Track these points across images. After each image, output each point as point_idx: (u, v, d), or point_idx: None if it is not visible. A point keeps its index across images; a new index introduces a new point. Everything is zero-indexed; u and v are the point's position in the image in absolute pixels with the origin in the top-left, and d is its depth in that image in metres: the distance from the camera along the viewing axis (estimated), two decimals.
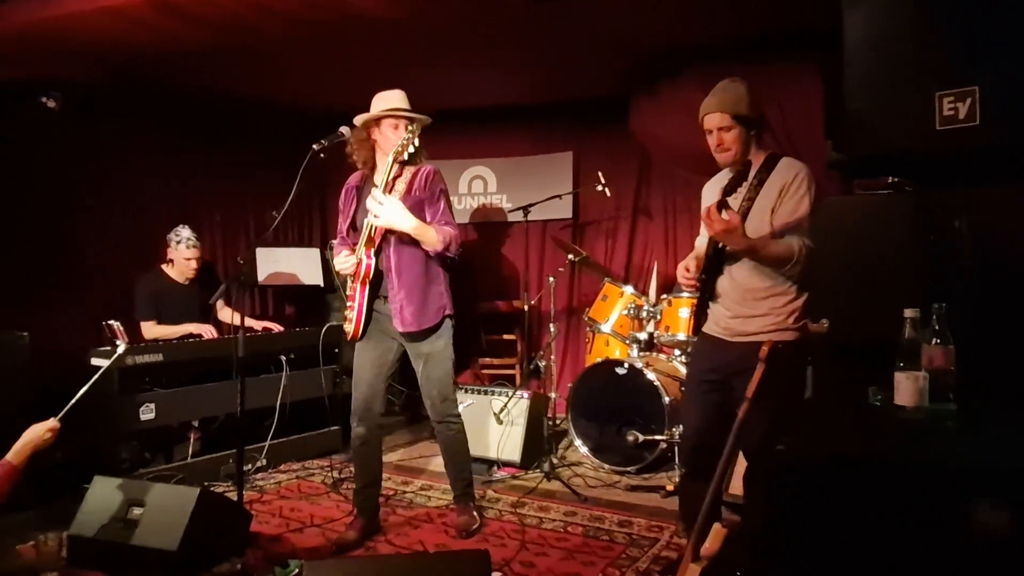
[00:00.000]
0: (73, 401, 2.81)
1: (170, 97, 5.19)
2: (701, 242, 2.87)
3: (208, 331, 4.43)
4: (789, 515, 1.70)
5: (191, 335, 4.41)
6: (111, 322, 3.22)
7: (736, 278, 2.65)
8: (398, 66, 4.59)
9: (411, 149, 3.14)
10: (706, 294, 2.73)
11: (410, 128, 3.17)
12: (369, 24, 3.85)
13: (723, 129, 2.62)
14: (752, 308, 2.62)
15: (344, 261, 3.24)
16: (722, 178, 2.74)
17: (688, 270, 2.76)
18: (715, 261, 2.68)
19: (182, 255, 4.49)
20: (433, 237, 3.15)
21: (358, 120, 3.30)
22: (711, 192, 2.80)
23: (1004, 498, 1.43)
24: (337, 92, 3.31)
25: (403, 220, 3.08)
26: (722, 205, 2.43)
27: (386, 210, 3.07)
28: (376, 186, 3.18)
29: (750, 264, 2.60)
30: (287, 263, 5.63)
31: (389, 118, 3.26)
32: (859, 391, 1.99)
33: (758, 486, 2.46)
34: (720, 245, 2.65)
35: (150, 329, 4.48)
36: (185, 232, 4.51)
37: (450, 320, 3.35)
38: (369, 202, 3.10)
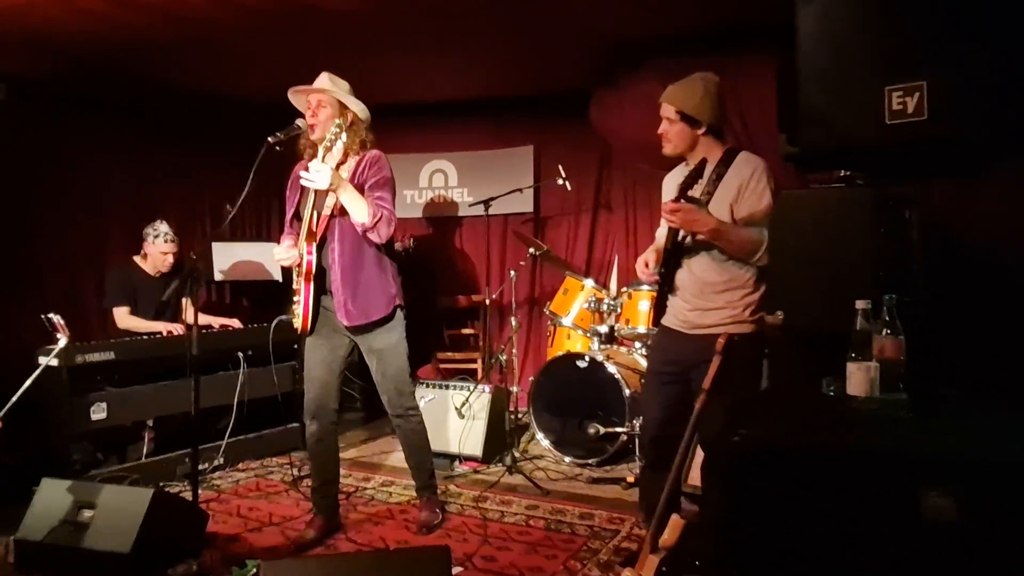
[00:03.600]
0: (14, 399, 2.73)
1: (123, 90, 5.06)
2: (661, 233, 2.89)
3: (179, 330, 4.35)
4: (744, 504, 1.72)
5: (159, 333, 4.31)
6: (51, 315, 3.12)
7: (695, 272, 2.69)
8: (357, 58, 4.53)
9: (339, 144, 3.06)
10: (665, 287, 2.75)
11: (337, 123, 3.07)
12: (327, 16, 3.80)
13: (668, 120, 2.67)
14: (710, 301, 2.66)
15: (284, 253, 3.15)
16: (682, 170, 2.77)
17: (647, 265, 2.79)
18: (674, 254, 2.71)
19: (159, 249, 4.45)
20: (363, 209, 3.02)
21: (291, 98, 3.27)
22: (671, 185, 2.82)
23: (951, 485, 1.46)
24: (294, 84, 3.24)
25: (330, 183, 2.95)
26: (683, 198, 2.46)
27: (318, 175, 2.94)
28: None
29: (708, 257, 2.64)
30: (244, 258, 5.54)
31: (301, 101, 3.21)
32: (813, 381, 2.02)
33: (714, 476, 2.49)
34: (679, 238, 2.68)
35: (124, 318, 4.38)
36: (163, 227, 4.49)
37: (401, 311, 3.30)
38: (304, 175, 3.00)
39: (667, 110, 2.68)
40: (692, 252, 2.68)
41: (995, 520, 1.43)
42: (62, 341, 3.09)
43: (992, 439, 1.69)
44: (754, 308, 2.64)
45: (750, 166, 2.62)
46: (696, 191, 2.59)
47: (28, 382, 2.79)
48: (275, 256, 3.22)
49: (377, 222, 3.05)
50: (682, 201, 2.54)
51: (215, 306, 5.87)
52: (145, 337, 4.25)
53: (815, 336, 2.12)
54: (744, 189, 2.59)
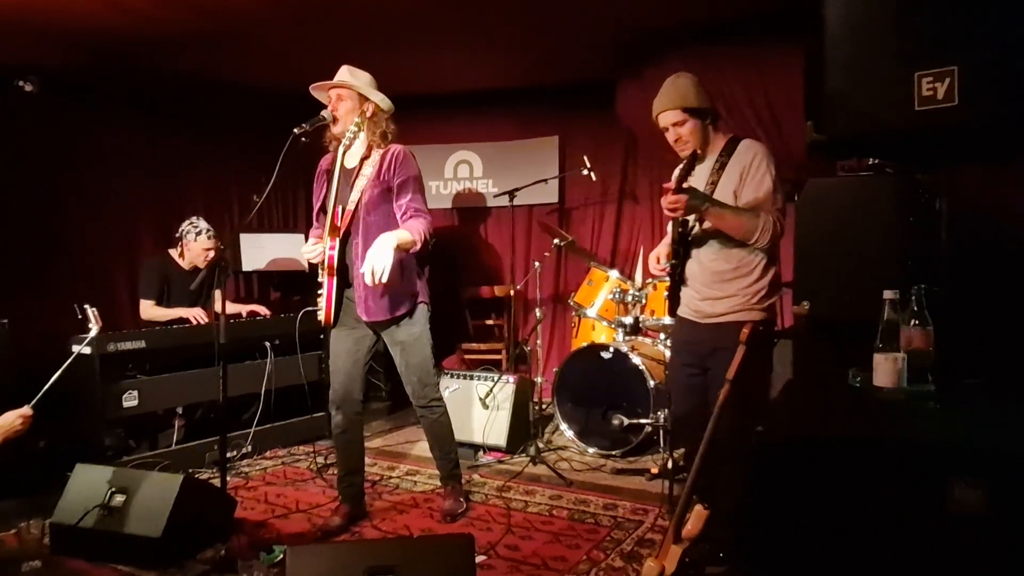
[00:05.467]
0: (46, 388, 2.79)
1: (151, 82, 5.13)
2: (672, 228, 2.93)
3: (197, 315, 4.41)
4: (770, 494, 1.71)
5: (181, 319, 4.38)
6: (85, 306, 3.19)
7: (704, 261, 2.73)
8: (382, 48, 4.55)
9: (359, 140, 3.06)
10: (677, 278, 2.80)
11: (357, 120, 3.07)
12: (351, 7, 3.81)
13: (677, 124, 2.70)
14: (720, 290, 2.70)
15: (310, 250, 3.18)
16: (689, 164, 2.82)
17: (659, 260, 2.86)
18: (682, 245, 2.76)
19: (201, 246, 4.51)
20: (408, 240, 3.04)
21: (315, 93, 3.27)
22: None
23: (980, 476, 1.44)
24: (320, 75, 3.25)
25: (386, 258, 2.92)
26: (680, 188, 2.51)
27: (374, 259, 2.92)
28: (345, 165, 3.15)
29: (716, 246, 2.69)
30: (271, 249, 5.60)
31: (323, 94, 3.21)
32: (839, 372, 2.00)
33: (738, 467, 2.51)
34: (688, 227, 2.74)
35: (147, 309, 4.47)
36: (203, 223, 4.55)
37: (425, 307, 3.31)
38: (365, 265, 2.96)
39: (671, 116, 2.70)
40: (700, 242, 2.73)
41: None
42: (93, 330, 3.15)
43: (1022, 430, 1.66)
44: (764, 295, 2.68)
45: (751, 152, 2.66)
46: (700, 179, 2.66)
47: (60, 371, 2.85)
48: (303, 253, 3.25)
49: (424, 238, 3.09)
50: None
51: (244, 297, 5.95)
52: (175, 326, 4.32)
53: (841, 326, 2.09)
54: (745, 175, 2.64)
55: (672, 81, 2.73)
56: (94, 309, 3.23)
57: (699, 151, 2.71)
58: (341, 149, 3.10)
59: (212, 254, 4.52)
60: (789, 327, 4.26)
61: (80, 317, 3.20)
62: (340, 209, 3.15)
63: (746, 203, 2.61)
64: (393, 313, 3.21)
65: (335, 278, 3.17)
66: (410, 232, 3.06)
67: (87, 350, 3.49)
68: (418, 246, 3.10)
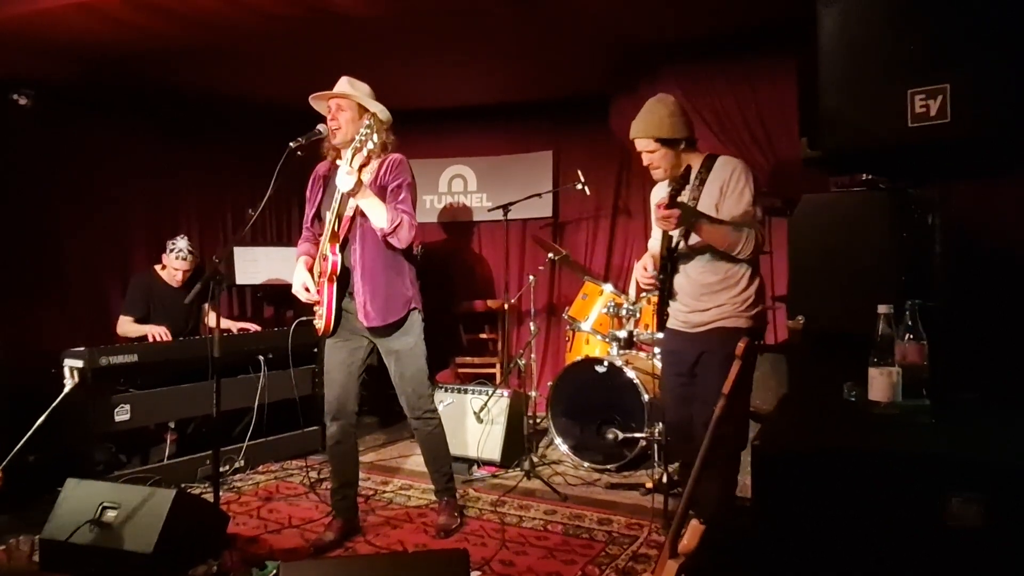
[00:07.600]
0: (18, 447, 2.79)
1: (147, 95, 5.13)
2: (653, 244, 3.02)
3: (159, 334, 4.34)
4: (765, 509, 1.71)
5: (145, 337, 4.34)
6: (65, 362, 3.28)
7: (691, 275, 2.81)
8: (377, 63, 4.57)
9: (370, 145, 3.05)
10: (665, 293, 2.87)
11: (368, 124, 3.07)
12: (347, 21, 3.83)
13: (649, 152, 2.79)
14: (708, 301, 2.78)
15: (302, 292, 3.21)
16: (668, 182, 2.89)
17: (646, 269, 2.90)
18: (670, 260, 2.83)
19: (172, 264, 4.51)
20: (381, 215, 3.06)
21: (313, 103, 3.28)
22: (659, 196, 2.94)
23: (977, 490, 1.44)
24: (315, 89, 3.27)
25: (351, 188, 2.99)
26: (673, 203, 2.58)
27: (344, 179, 2.99)
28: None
29: (702, 260, 2.77)
30: (265, 262, 5.58)
31: (323, 105, 3.22)
32: (834, 387, 2.00)
33: (716, 473, 2.53)
34: (673, 244, 2.80)
35: (123, 325, 4.47)
36: (181, 243, 4.53)
37: (418, 315, 3.32)
38: (338, 177, 3.04)
39: (643, 143, 2.79)
40: (687, 257, 2.81)
41: (1021, 526, 1.41)
42: (68, 386, 3.19)
43: (1017, 444, 1.67)
44: (751, 303, 2.76)
45: (729, 167, 2.75)
46: (684, 196, 2.72)
47: (30, 432, 2.88)
48: (294, 288, 3.26)
49: (396, 227, 3.08)
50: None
51: (236, 311, 5.92)
52: (155, 342, 4.26)
53: (836, 341, 2.10)
54: (726, 188, 2.73)
55: (649, 107, 2.80)
56: (77, 364, 3.28)
57: (669, 175, 2.80)
58: (351, 152, 3.06)
59: (180, 276, 4.52)
60: (783, 341, 4.28)
61: (54, 372, 3.26)
62: (339, 217, 3.16)
63: (727, 217, 2.69)
64: (389, 319, 3.20)
65: (335, 285, 3.18)
66: (388, 211, 3.07)
67: (72, 378, 3.52)
68: (384, 227, 3.07)
